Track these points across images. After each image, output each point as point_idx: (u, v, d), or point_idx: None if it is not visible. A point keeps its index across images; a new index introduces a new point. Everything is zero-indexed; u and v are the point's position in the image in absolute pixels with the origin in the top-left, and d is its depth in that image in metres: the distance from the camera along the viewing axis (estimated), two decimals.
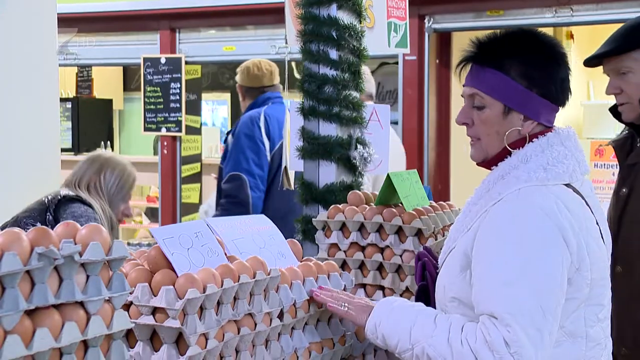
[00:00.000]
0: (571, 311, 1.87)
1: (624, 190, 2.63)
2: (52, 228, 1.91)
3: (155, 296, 1.66)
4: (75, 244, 1.37)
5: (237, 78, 4.89)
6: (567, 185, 1.92)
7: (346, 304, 1.99)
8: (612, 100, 2.71)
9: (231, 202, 4.53)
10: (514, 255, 1.81)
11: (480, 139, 1.99)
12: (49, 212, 3.42)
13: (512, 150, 1.95)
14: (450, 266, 1.96)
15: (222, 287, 1.72)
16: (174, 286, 1.66)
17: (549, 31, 6.77)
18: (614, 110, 2.71)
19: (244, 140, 4.59)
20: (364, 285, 2.50)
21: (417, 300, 2.13)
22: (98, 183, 3.55)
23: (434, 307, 2.02)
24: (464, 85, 2.02)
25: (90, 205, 3.47)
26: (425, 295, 2.13)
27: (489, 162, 2.00)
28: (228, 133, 4.92)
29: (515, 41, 1.98)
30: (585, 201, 1.94)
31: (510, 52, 1.96)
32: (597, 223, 1.96)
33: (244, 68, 4.83)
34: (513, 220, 1.84)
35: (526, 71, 1.93)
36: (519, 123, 1.95)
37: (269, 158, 4.60)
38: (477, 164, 2.04)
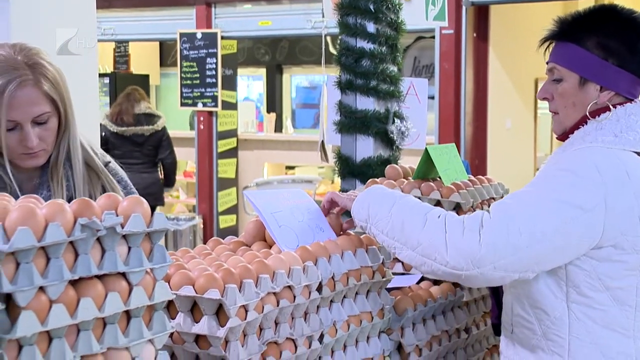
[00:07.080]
0: (620, 276, 1.86)
1: None
2: None
3: None
4: (117, 215, 1.38)
5: None
6: (639, 154, 1.90)
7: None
8: None
9: None
10: (541, 187, 1.85)
11: (558, 112, 2.01)
12: None
13: (590, 119, 1.95)
14: None
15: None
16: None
17: (587, 2, 6.66)
18: None
19: None
20: None
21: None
22: None
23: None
24: (546, 62, 2.03)
25: None
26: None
27: (567, 134, 2.01)
28: None
29: (593, 16, 1.98)
30: None
31: (587, 26, 1.96)
32: None
33: None
34: (562, 167, 1.87)
35: (602, 42, 1.93)
36: (595, 94, 1.95)
37: None
38: (557, 137, 2.06)
